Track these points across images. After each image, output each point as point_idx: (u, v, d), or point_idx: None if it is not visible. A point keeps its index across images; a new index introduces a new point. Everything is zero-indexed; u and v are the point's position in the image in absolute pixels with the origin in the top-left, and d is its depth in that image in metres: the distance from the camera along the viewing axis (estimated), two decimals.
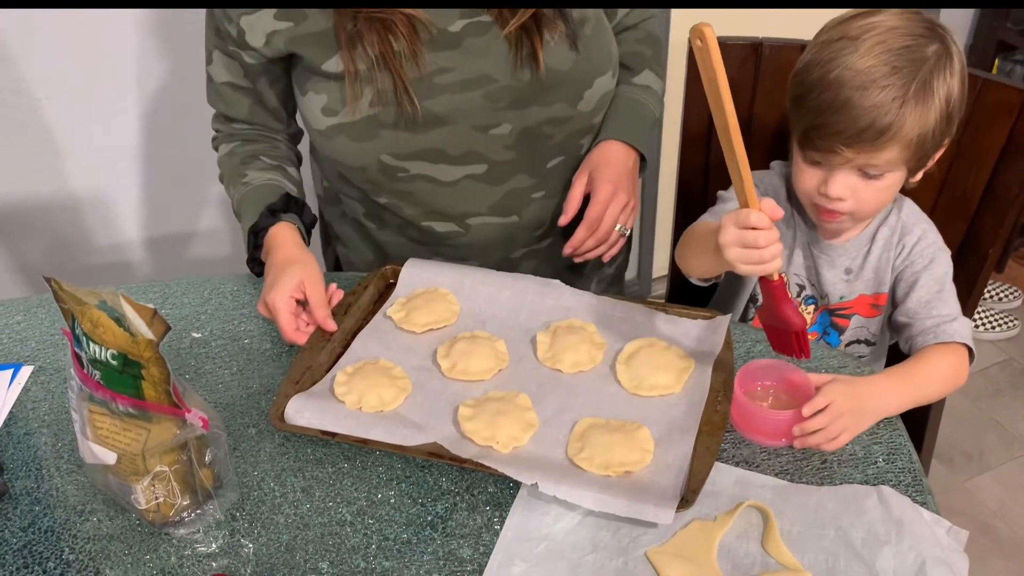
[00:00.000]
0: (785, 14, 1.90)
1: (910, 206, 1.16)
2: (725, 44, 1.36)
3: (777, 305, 0.93)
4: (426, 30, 1.08)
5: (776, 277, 0.91)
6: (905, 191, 1.13)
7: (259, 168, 1.22)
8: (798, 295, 1.20)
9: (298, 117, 1.27)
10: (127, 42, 1.65)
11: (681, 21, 2.08)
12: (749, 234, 0.87)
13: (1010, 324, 2.38)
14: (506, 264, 1.28)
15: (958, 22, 2.50)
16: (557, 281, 1.14)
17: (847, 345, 1.23)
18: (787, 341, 0.94)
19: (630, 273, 2.50)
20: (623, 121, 1.23)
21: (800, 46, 1.26)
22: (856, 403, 0.93)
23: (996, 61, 2.51)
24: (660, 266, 2.52)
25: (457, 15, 1.10)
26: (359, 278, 1.18)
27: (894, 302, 1.15)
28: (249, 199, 1.19)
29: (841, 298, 1.17)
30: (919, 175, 1.09)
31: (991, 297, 2.45)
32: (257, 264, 1.18)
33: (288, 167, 1.26)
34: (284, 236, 1.14)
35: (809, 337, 1.21)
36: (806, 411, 0.91)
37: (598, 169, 1.18)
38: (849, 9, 1.06)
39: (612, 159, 1.19)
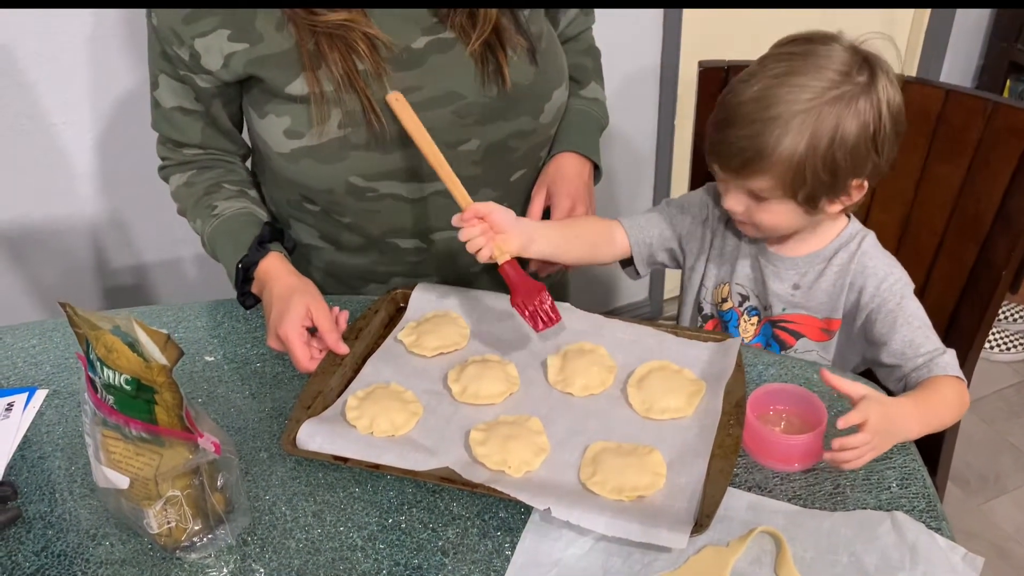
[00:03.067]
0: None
1: (871, 240, 1.14)
2: (736, 67, 1.37)
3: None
4: (387, 48, 1.09)
5: (500, 261, 1.04)
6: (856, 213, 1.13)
7: (225, 197, 1.20)
8: (740, 304, 1.20)
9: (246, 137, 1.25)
10: (142, 67, 1.67)
11: (691, 17, 2.09)
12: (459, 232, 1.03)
13: None
14: (464, 278, 1.29)
15: (969, 43, 2.50)
16: (568, 304, 1.14)
17: None
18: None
19: (641, 294, 2.50)
20: (575, 133, 1.27)
21: None
22: (887, 424, 0.93)
23: (1007, 82, 2.51)
24: (671, 288, 2.52)
25: (419, 32, 1.11)
26: (368, 302, 1.19)
27: (870, 339, 1.12)
28: (225, 231, 1.17)
29: (783, 310, 1.16)
30: (832, 207, 1.06)
31: (1005, 318, 2.43)
32: (249, 298, 1.16)
33: (249, 191, 1.24)
34: (276, 267, 1.13)
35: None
36: (842, 424, 0.90)
37: (555, 183, 1.22)
38: (804, 32, 1.05)
39: (569, 172, 1.23)
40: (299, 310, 1.06)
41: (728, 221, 1.18)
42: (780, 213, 1.06)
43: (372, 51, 1.08)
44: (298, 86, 1.09)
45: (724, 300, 1.20)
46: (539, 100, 1.19)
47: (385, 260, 1.27)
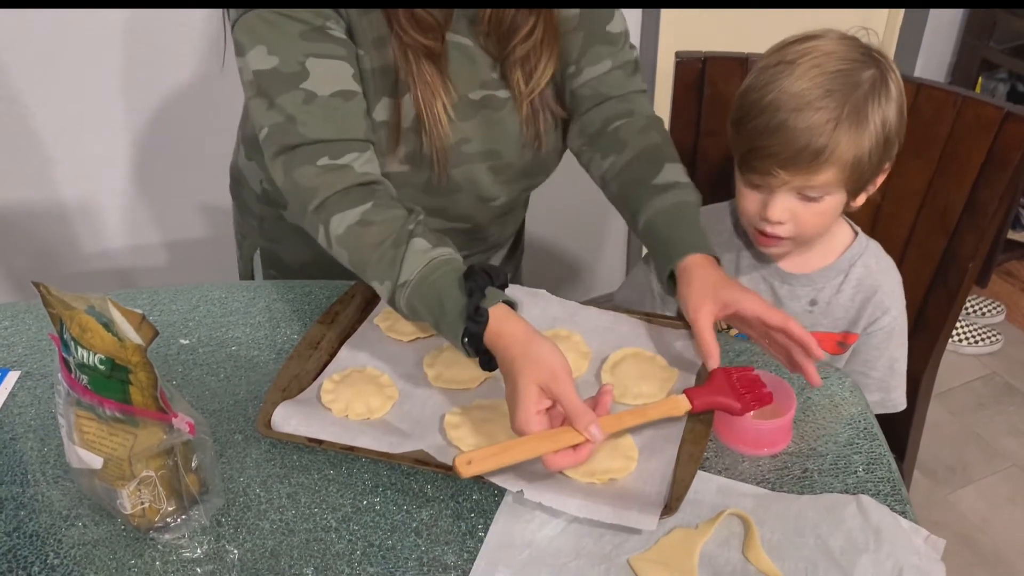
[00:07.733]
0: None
1: (883, 252, 1.18)
2: (713, 58, 1.38)
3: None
4: (454, 92, 1.07)
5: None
6: (849, 214, 1.16)
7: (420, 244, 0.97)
8: None
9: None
10: (117, 51, 1.66)
11: (672, 20, 2.09)
12: None
13: (993, 339, 2.40)
14: None
15: (942, 40, 2.53)
16: (543, 291, 1.15)
17: None
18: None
19: (617, 284, 2.51)
20: (698, 233, 1.05)
21: None
22: None
23: (980, 79, 2.54)
24: None
25: (477, 84, 1.09)
26: (345, 287, 1.19)
27: (864, 353, 1.20)
28: (426, 293, 0.95)
29: None
30: (861, 199, 1.10)
31: (974, 312, 2.47)
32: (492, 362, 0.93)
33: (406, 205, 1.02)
34: (497, 330, 0.91)
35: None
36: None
37: (726, 290, 1.00)
38: (792, 35, 1.07)
39: (724, 274, 1.04)
40: (530, 395, 0.87)
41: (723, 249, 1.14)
42: (828, 212, 1.06)
43: (446, 91, 1.05)
44: (382, 111, 1.05)
45: (730, 327, 1.16)
46: (550, 168, 1.21)
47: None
